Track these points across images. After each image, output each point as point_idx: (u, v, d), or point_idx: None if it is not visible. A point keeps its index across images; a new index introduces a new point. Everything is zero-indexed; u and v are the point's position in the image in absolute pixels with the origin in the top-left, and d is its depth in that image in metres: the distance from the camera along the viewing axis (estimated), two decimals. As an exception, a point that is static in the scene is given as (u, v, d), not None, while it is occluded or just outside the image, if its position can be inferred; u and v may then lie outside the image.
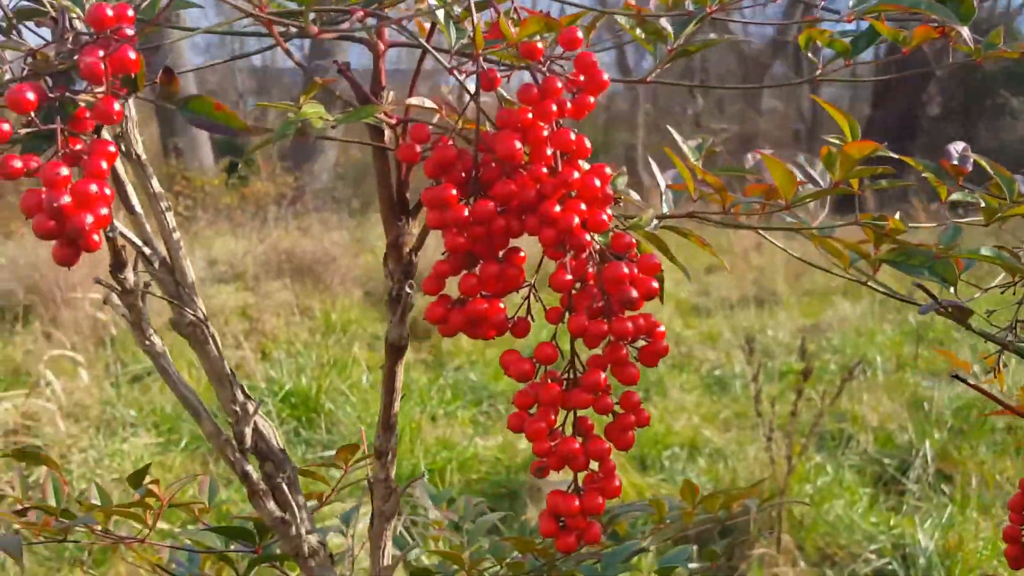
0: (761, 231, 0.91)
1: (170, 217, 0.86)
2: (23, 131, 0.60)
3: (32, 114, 0.60)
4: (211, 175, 9.81)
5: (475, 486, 3.95)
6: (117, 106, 0.61)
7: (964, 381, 0.79)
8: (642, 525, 1.30)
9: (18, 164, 0.59)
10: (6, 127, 0.59)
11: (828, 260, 0.92)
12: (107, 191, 0.61)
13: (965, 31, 0.72)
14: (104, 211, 0.60)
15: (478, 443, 4.29)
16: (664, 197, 0.85)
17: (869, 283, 0.89)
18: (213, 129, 0.68)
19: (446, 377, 5.14)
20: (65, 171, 0.59)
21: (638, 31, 0.83)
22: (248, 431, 0.83)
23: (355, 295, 6.72)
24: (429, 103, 0.75)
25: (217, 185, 9.29)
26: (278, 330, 5.69)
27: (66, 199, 0.58)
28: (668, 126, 0.87)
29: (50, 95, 0.62)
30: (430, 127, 0.75)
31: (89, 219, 0.59)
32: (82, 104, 0.63)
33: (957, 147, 0.83)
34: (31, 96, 0.59)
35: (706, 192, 0.85)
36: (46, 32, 0.71)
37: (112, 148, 0.62)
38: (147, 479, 0.94)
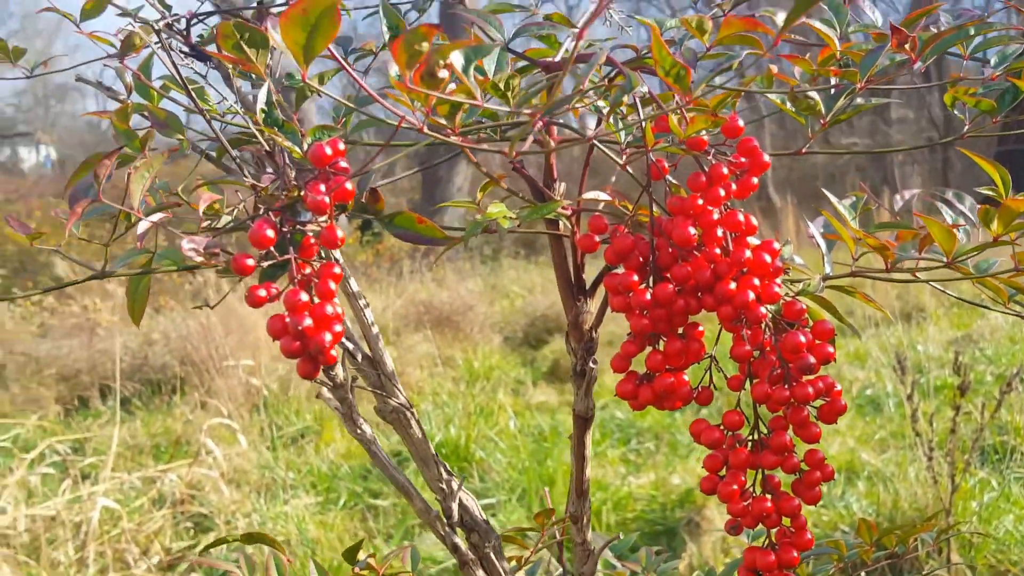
0: (930, 283, 0.94)
1: (368, 313, 0.94)
2: (264, 264, 0.69)
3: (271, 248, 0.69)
4: (345, 234, 10.10)
5: (631, 525, 3.96)
6: (340, 233, 0.70)
7: None
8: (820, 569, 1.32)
9: (262, 293, 0.69)
10: (251, 262, 0.68)
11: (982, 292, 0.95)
12: (339, 310, 0.69)
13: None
14: (338, 328, 0.68)
15: (631, 482, 4.30)
16: (826, 258, 0.89)
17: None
18: (417, 240, 0.76)
19: (593, 417, 5.18)
20: (304, 296, 0.67)
21: (788, 105, 0.87)
22: (455, 506, 0.90)
23: (494, 341, 6.83)
24: (603, 196, 0.81)
25: (352, 244, 9.58)
26: (423, 382, 5.82)
27: (308, 322, 0.66)
28: (824, 189, 0.91)
29: (283, 228, 0.71)
30: (606, 216, 0.81)
31: (328, 337, 0.67)
32: (309, 234, 0.71)
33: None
34: (270, 234, 0.68)
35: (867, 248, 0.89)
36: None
37: (337, 270, 0.71)
38: (360, 553, 1.02)
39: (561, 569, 1.05)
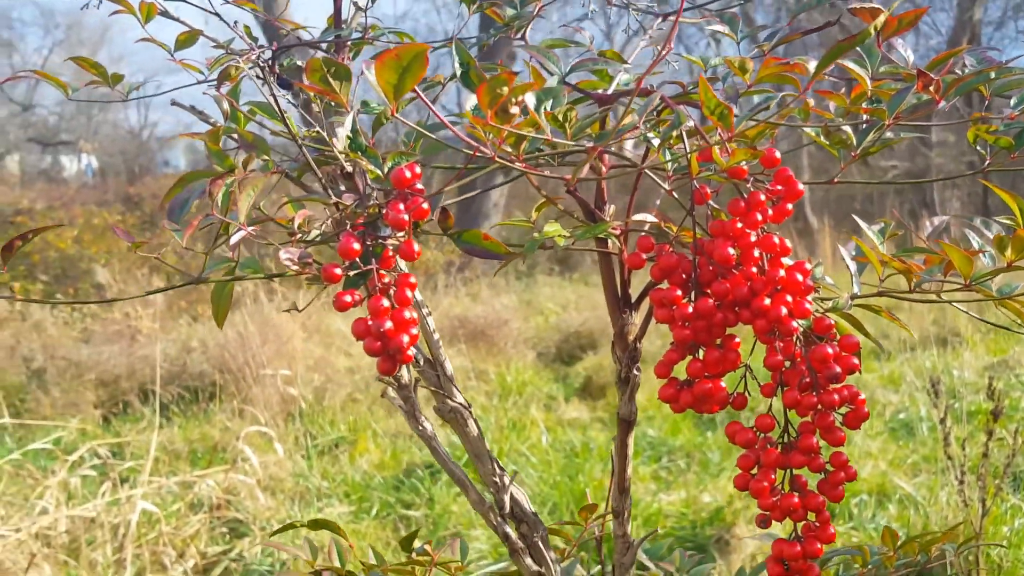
0: (953, 303, 1.02)
1: (430, 320, 1.04)
2: (351, 273, 0.79)
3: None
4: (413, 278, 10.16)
5: (661, 541, 4.01)
6: (417, 247, 0.79)
7: None
8: (845, 574, 1.39)
9: (348, 299, 0.78)
10: (339, 271, 0.78)
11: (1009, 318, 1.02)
12: (414, 315, 0.78)
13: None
14: (414, 331, 0.78)
15: (661, 498, 4.35)
16: (854, 279, 0.97)
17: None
18: (483, 255, 0.85)
19: (624, 434, 5.24)
20: (386, 303, 0.77)
21: (822, 138, 0.96)
22: (507, 499, 0.99)
23: (528, 357, 6.90)
24: (650, 217, 0.90)
25: (386, 257, 9.63)
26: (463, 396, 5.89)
27: (389, 325, 0.76)
28: (856, 217, 0.99)
29: (365, 242, 0.80)
30: (653, 236, 0.90)
31: (405, 339, 0.76)
32: (389, 247, 0.81)
33: None
34: (356, 246, 0.77)
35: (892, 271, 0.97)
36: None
37: (412, 279, 0.80)
38: (415, 542, 1.11)
39: (599, 563, 1.13)
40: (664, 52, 0.70)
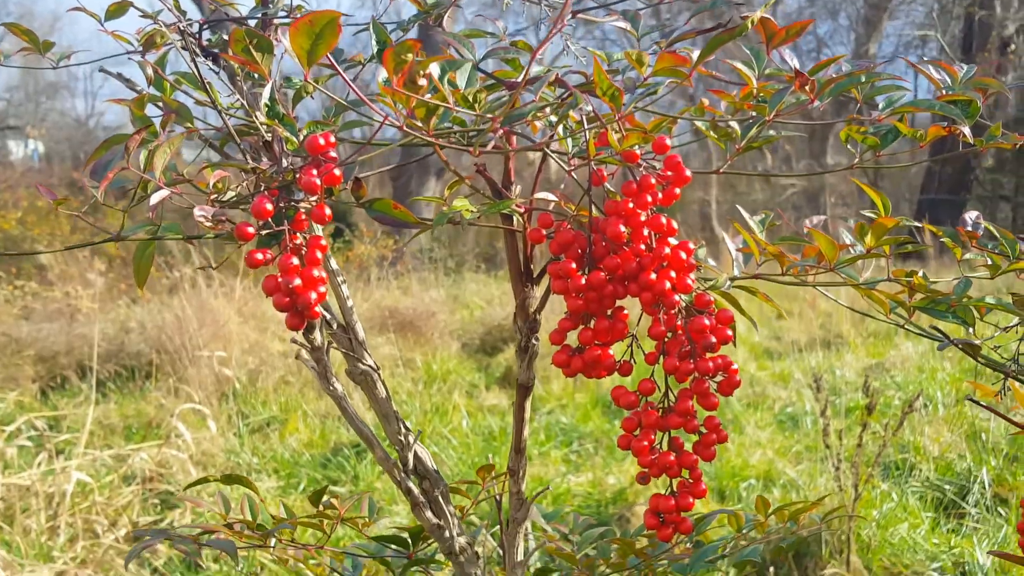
0: (817, 287, 1.04)
1: (344, 288, 1.02)
2: (262, 232, 0.77)
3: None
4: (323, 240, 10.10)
5: (565, 508, 4.05)
6: (328, 211, 0.78)
7: (976, 402, 0.90)
8: (719, 538, 1.41)
9: (259, 256, 0.77)
10: (251, 230, 0.76)
11: (874, 307, 1.05)
12: (323, 274, 0.77)
13: (966, 128, 0.85)
14: (322, 289, 0.76)
15: (570, 479, 4.39)
16: (735, 262, 0.99)
17: (906, 326, 1.02)
18: (392, 223, 0.84)
19: (539, 420, 5.27)
20: (296, 261, 0.75)
21: (712, 132, 0.97)
22: (411, 456, 0.98)
23: (453, 347, 6.89)
24: (551, 197, 0.90)
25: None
26: (388, 381, 5.87)
27: (298, 282, 0.75)
28: (738, 207, 1.01)
29: (279, 204, 0.79)
30: (553, 214, 0.90)
31: (313, 296, 0.75)
32: (301, 210, 0.80)
33: (971, 216, 0.96)
34: (269, 207, 0.76)
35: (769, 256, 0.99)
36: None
37: (324, 241, 0.79)
38: (323, 497, 1.10)
39: (500, 521, 1.13)
40: (553, 32, 0.70)
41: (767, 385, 6.13)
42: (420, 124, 0.81)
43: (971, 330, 1.04)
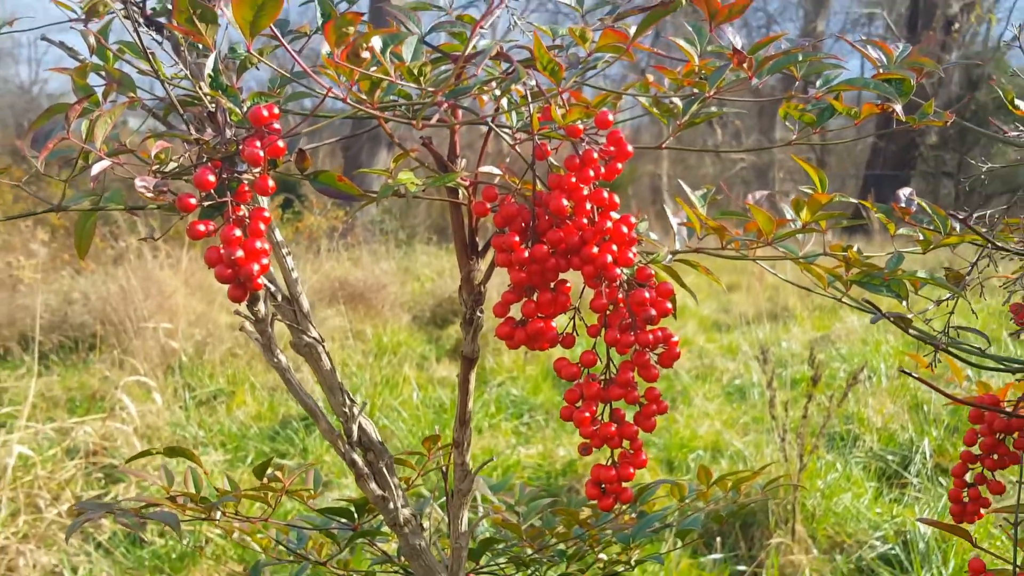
0: (758, 260, 1.06)
1: (290, 260, 1.03)
2: (205, 204, 0.77)
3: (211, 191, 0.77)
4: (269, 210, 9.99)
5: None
6: (271, 183, 0.78)
7: (909, 374, 0.93)
8: (663, 508, 1.44)
9: (201, 228, 0.77)
10: (193, 201, 0.76)
11: (812, 281, 1.08)
12: (265, 246, 0.77)
13: (899, 106, 0.88)
14: (265, 261, 0.77)
15: (520, 451, 4.42)
16: (677, 236, 1.01)
17: (843, 299, 1.04)
18: (336, 196, 0.85)
19: (489, 392, 5.29)
20: (238, 232, 0.76)
21: (655, 108, 0.99)
22: (355, 428, 0.99)
23: (403, 320, 6.89)
24: (495, 171, 0.91)
25: (273, 220, 9.46)
26: (333, 353, 5.85)
27: (240, 253, 0.75)
28: (680, 181, 1.03)
29: (222, 176, 0.79)
30: (497, 188, 0.91)
31: (256, 267, 0.75)
32: (244, 182, 0.80)
33: (905, 192, 0.99)
34: (211, 178, 0.76)
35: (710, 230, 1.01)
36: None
37: (267, 213, 0.79)
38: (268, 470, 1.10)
39: (446, 492, 1.15)
40: (494, 5, 0.71)
41: (715, 357, 6.22)
42: (364, 97, 0.81)
43: (905, 303, 1.07)
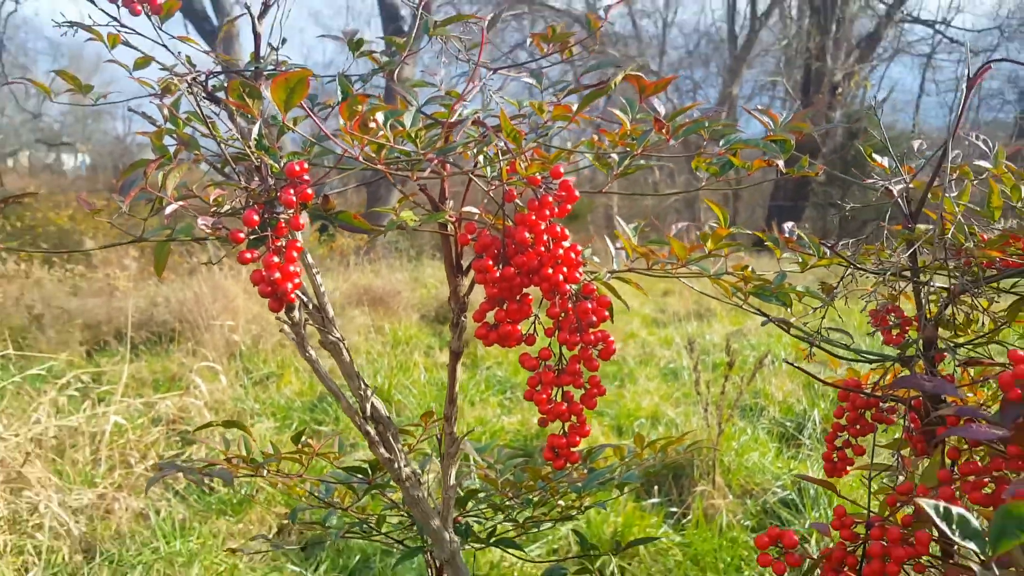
0: (680, 278, 1.08)
1: (318, 277, 1.03)
2: (250, 237, 0.78)
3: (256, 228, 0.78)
4: (308, 234, 10.01)
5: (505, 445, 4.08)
6: (303, 220, 0.79)
7: (791, 364, 0.95)
8: (608, 466, 1.45)
9: (248, 256, 0.77)
10: (242, 235, 0.77)
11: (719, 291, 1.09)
12: (298, 269, 0.78)
13: (780, 162, 0.90)
14: (297, 280, 0.78)
15: (504, 420, 4.43)
16: (615, 259, 1.02)
17: (744, 306, 1.06)
18: (353, 230, 0.85)
19: (480, 374, 5.29)
20: (276, 259, 0.76)
21: (597, 161, 1.00)
22: (368, 406, 1.00)
23: (413, 318, 6.87)
24: (474, 210, 0.92)
25: (312, 242, 9.48)
26: (359, 344, 5.84)
27: (277, 275, 0.76)
28: (617, 217, 1.04)
29: (264, 215, 0.80)
30: (476, 223, 0.92)
31: (289, 286, 0.76)
32: (281, 220, 0.80)
33: (788, 225, 1.00)
34: (256, 218, 0.77)
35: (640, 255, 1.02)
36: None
37: (300, 244, 0.80)
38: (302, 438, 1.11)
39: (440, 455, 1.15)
40: (468, 88, 0.72)
41: (655, 347, 6.24)
42: (373, 155, 0.82)
43: (790, 309, 1.09)
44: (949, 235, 0.91)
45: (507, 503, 1.17)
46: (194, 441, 3.97)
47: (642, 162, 1.03)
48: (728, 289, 1.08)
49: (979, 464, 0.77)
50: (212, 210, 0.79)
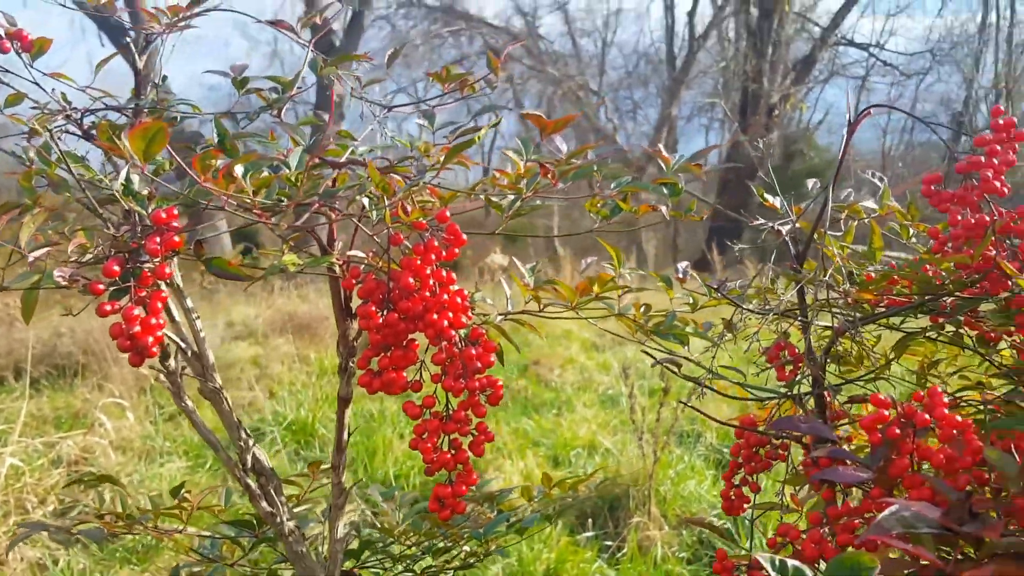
0: (581, 317, 1.11)
1: (198, 322, 1.03)
2: (111, 288, 0.78)
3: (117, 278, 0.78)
4: (230, 257, 9.81)
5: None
6: (168, 270, 0.79)
7: (684, 403, 0.99)
8: (519, 506, 1.46)
9: (108, 308, 0.77)
10: (101, 286, 0.77)
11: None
12: (161, 321, 0.78)
13: (664, 208, 0.94)
14: (160, 333, 0.77)
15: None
16: (508, 301, 1.05)
17: (644, 342, 1.10)
18: (229, 277, 0.86)
19: (397, 406, 5.26)
20: (137, 311, 0.76)
21: (491, 202, 1.02)
22: (249, 457, 0.99)
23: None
24: (360, 254, 0.94)
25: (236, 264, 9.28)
26: (282, 374, 5.75)
27: (137, 328, 0.75)
28: (514, 258, 1.07)
29: (127, 265, 0.80)
30: (362, 266, 0.93)
31: (150, 339, 0.76)
32: (146, 270, 0.80)
33: (682, 265, 1.05)
34: (117, 268, 0.77)
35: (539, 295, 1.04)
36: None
37: (164, 294, 0.80)
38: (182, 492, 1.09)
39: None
40: (329, 126, 0.74)
41: (593, 372, 6.30)
42: (248, 201, 0.83)
43: (687, 347, 1.13)
44: (827, 276, 0.96)
45: (404, 553, 1.17)
46: (114, 481, 3.84)
47: (538, 202, 1.06)
48: (631, 325, 1.12)
49: (850, 505, 0.81)
50: (72, 259, 0.78)
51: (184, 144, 1.01)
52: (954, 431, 0.78)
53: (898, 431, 0.77)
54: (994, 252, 1.03)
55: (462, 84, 1.12)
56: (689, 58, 15.84)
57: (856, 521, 0.79)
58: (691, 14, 16.18)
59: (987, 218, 1.03)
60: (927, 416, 0.77)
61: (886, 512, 0.67)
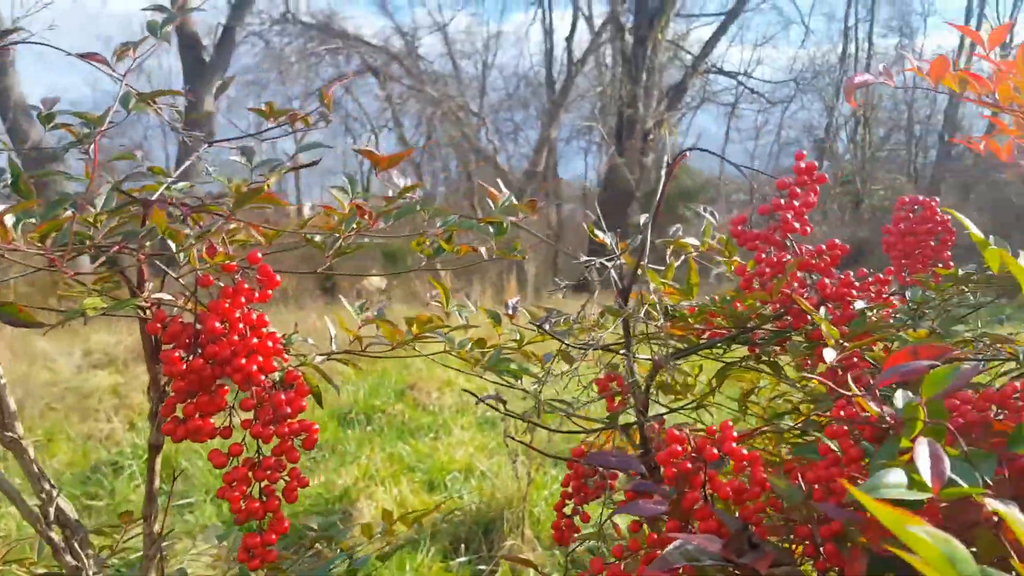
0: (409, 356, 1.11)
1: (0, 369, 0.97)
2: None
3: None
4: (89, 279, 9.24)
5: (302, 515, 3.94)
6: (-59, 319, 0.74)
7: (512, 438, 1.01)
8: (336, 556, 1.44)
9: None
10: None
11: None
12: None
13: (483, 249, 0.96)
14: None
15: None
16: (332, 341, 1.04)
17: (483, 376, 1.11)
18: (19, 324, 0.81)
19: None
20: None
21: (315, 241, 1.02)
22: (52, 509, 0.94)
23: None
24: (167, 296, 0.91)
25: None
26: (144, 404, 5.47)
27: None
28: (342, 296, 1.06)
29: None
30: (166, 310, 0.91)
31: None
32: (-83, 318, 0.75)
33: (511, 301, 1.07)
34: None
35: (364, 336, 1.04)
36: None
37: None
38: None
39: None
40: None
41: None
42: (39, 245, 0.79)
43: (520, 382, 1.15)
44: (642, 312, 1.01)
45: (230, 600, 1.14)
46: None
47: (366, 240, 1.06)
48: (470, 362, 1.13)
49: (654, 537, 0.85)
50: None
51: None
52: (744, 463, 0.84)
53: (689, 465, 0.81)
54: (796, 287, 1.10)
55: (292, 118, 1.11)
56: (568, 82, 16.27)
57: (657, 552, 0.83)
58: (569, 39, 16.66)
59: (788, 256, 1.10)
60: (715, 451, 0.81)
61: (670, 546, 0.71)
